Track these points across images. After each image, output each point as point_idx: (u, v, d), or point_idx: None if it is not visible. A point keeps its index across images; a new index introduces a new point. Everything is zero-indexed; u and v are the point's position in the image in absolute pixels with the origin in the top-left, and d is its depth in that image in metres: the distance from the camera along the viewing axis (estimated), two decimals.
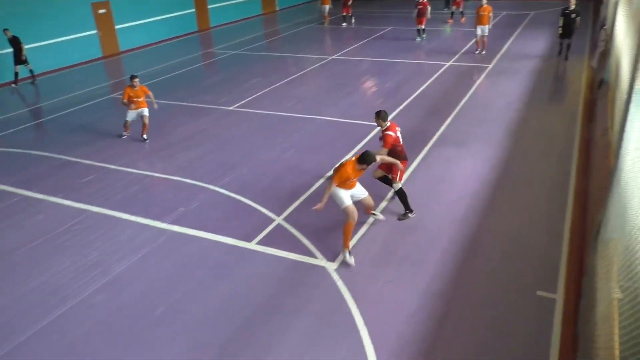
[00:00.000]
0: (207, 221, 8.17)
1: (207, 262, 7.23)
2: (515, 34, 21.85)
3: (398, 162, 7.57)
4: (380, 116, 7.79)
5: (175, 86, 16.37)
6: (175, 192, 9.17)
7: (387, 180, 8.17)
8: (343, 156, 10.27)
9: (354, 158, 6.90)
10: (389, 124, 7.82)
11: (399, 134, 7.86)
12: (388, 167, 7.93)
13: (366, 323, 5.88)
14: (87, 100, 15.40)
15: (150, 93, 11.62)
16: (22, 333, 5.94)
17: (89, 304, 6.41)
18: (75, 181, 9.83)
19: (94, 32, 20.96)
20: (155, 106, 11.75)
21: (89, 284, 6.77)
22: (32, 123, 13.99)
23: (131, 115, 11.65)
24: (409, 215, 7.98)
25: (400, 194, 7.98)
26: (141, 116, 11.60)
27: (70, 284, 6.77)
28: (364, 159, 6.75)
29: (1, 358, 5.60)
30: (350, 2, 25.33)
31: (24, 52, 16.99)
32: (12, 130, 13.18)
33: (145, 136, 11.61)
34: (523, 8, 28.29)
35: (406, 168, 8.26)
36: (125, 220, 8.32)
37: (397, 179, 7.88)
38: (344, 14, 25.46)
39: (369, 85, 15.76)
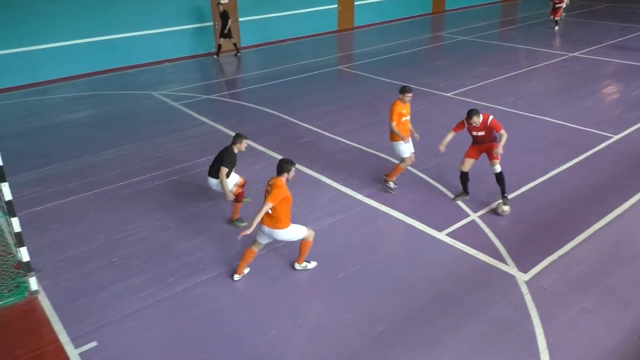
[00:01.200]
0: (402, 201, 8.23)
1: (394, 241, 7.31)
2: None
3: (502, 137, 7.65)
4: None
5: (397, 65, 16.60)
6: (377, 167, 9.41)
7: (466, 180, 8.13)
8: (561, 163, 9.29)
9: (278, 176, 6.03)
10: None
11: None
12: (486, 147, 7.84)
13: (549, 346, 5.33)
14: (318, 69, 16.59)
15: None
16: (225, 264, 6.80)
17: (279, 253, 7.03)
18: (292, 141, 10.78)
19: (335, 6, 22.32)
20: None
21: None
22: (263, 84, 15.65)
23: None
24: (507, 198, 7.89)
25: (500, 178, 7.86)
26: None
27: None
28: (282, 167, 5.96)
29: (207, 280, 6.52)
30: (559, 5, 20.90)
31: (228, 26, 17.43)
32: (248, 87, 14.98)
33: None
34: None
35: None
36: (327, 184, 8.85)
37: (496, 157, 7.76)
38: (552, 17, 21.15)
39: (611, 90, 13.85)
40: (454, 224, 7.57)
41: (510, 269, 6.56)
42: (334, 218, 7.80)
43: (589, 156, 9.66)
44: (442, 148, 7.94)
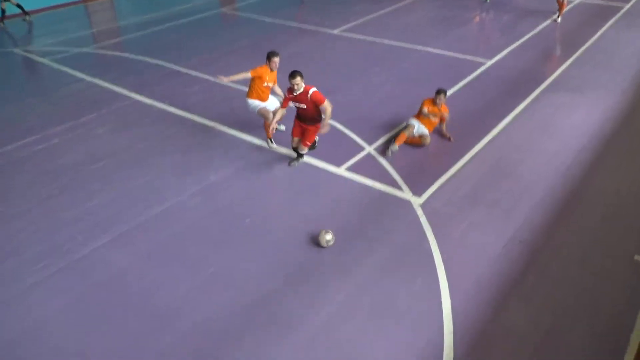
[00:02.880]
0: None
1: (294, 182, 7.42)
2: None
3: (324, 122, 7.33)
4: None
5: (282, 5, 16.27)
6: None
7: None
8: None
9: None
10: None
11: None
12: (306, 129, 7.43)
13: (444, 261, 5.83)
14: (198, 13, 15.77)
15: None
16: (125, 224, 6.54)
17: (185, 206, 6.88)
18: (182, 90, 10.32)
19: None
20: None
21: (187, 188, 7.23)
22: (142, 33, 14.64)
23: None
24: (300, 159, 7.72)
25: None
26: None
27: (169, 186, 7.28)
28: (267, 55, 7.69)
29: (106, 243, 6.24)
30: None
31: None
32: (126, 37, 13.95)
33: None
34: None
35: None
36: (224, 132, 8.67)
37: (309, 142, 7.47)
38: None
39: (485, 17, 14.69)
40: (352, 158, 7.82)
41: (406, 194, 6.98)
42: (234, 166, 7.72)
43: (467, 82, 10.30)
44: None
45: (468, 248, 6.06)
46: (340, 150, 8.04)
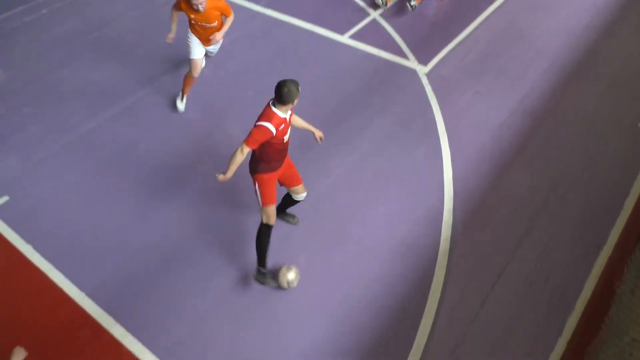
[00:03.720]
0: (302, 7, 7.92)
1: (298, 50, 7.21)
2: None
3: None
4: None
5: None
6: None
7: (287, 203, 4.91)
8: None
9: None
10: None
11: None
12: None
13: (448, 130, 5.88)
14: None
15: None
16: (129, 96, 6.50)
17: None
18: None
19: None
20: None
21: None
22: None
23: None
24: (262, 271, 4.50)
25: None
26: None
27: (168, 58, 7.09)
28: None
29: (112, 117, 6.25)
30: None
31: None
32: None
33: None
34: None
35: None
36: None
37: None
38: None
39: None
40: (355, 25, 7.51)
41: (411, 63, 6.82)
42: (232, 35, 7.44)
43: None
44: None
45: (472, 117, 6.07)
46: (343, 17, 7.69)
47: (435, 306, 4.37)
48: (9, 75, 6.89)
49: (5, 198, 5.31)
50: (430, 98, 6.30)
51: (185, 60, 6.23)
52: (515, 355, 4.07)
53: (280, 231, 4.87)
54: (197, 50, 5.85)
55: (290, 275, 4.41)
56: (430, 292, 4.46)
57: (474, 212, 5.09)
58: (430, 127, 5.94)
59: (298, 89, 3.94)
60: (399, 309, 4.37)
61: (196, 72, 5.95)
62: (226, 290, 4.53)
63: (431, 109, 6.15)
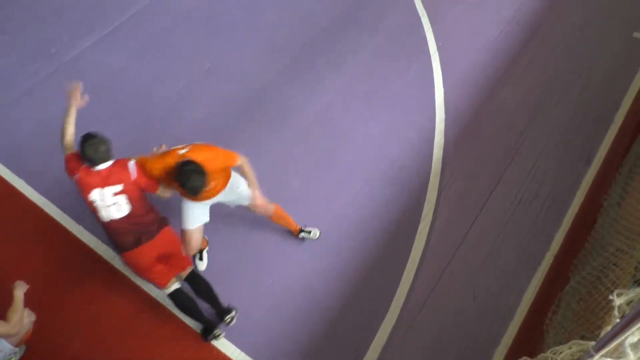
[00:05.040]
0: None
1: None
2: None
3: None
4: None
5: None
6: None
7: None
8: None
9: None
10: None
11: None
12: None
13: (439, 48, 5.75)
14: None
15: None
16: (111, 21, 6.20)
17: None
18: None
19: None
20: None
21: None
22: None
23: None
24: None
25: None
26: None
27: None
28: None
29: (95, 43, 5.98)
30: None
31: None
32: None
33: None
34: None
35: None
36: None
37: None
38: None
39: None
40: None
41: None
42: None
43: None
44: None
45: (464, 32, 5.92)
46: None
47: (427, 227, 4.48)
48: None
49: None
50: (421, 14, 6.10)
51: None
52: (504, 269, 4.25)
53: (274, 158, 4.88)
54: (194, 217, 3.77)
55: None
56: (423, 214, 4.56)
57: (465, 131, 5.10)
58: (421, 46, 5.80)
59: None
60: (392, 230, 4.48)
61: (191, 249, 3.86)
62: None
63: (422, 27, 5.97)
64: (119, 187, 3.37)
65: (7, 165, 4.95)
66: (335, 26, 5.98)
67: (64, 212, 4.59)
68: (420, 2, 6.19)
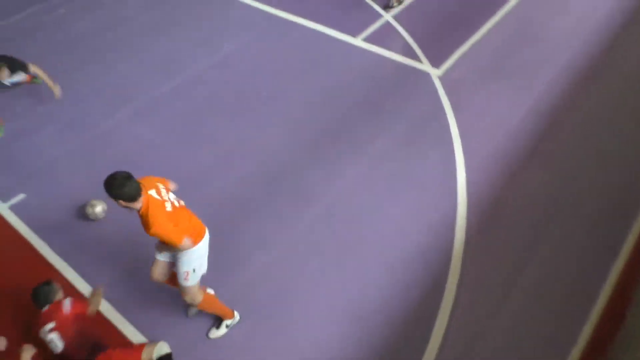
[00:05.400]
0: (313, 9, 7.91)
1: (310, 53, 7.21)
2: None
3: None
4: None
5: None
6: None
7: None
8: None
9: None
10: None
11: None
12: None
13: (461, 134, 5.85)
14: None
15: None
16: (144, 95, 6.54)
17: (201, 79, 6.79)
18: None
19: None
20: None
21: (201, 59, 7.08)
22: None
23: None
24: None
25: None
26: None
27: (183, 57, 7.12)
28: None
29: (127, 117, 6.30)
30: None
31: None
32: None
33: None
34: None
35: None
36: (237, 0, 8.25)
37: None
38: None
39: None
40: (368, 27, 7.50)
41: (424, 66, 6.79)
42: (247, 36, 7.46)
43: None
44: None
45: (486, 120, 6.04)
46: (356, 19, 7.67)
47: (448, 312, 4.35)
48: None
49: (22, 196, 5.38)
50: (443, 102, 6.27)
51: None
52: None
53: (292, 235, 4.89)
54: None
55: (98, 208, 4.96)
56: (443, 298, 4.44)
57: (488, 216, 5.06)
58: (444, 131, 5.92)
59: None
60: (412, 313, 4.35)
61: (150, 276, 4.07)
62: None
63: (444, 113, 6.12)
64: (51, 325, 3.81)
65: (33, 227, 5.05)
66: (357, 111, 6.19)
67: (83, 278, 4.60)
68: (443, 91, 6.39)
